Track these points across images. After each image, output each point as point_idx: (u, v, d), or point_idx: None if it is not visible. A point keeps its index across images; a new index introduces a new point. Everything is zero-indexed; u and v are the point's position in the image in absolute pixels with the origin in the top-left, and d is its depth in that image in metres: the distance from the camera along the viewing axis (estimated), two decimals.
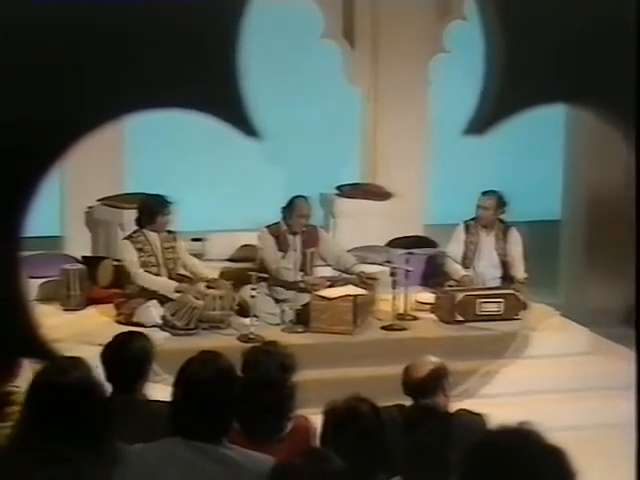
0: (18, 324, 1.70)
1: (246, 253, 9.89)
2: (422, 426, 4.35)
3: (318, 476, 2.65)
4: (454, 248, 9.70)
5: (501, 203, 9.53)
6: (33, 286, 9.66)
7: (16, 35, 1.66)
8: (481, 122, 1.82)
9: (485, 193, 9.57)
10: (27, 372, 4.26)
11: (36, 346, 1.71)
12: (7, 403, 4.43)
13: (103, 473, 3.16)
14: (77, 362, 3.74)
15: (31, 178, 1.70)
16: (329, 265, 9.39)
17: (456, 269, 9.62)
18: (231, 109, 1.68)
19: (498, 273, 9.64)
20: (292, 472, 2.75)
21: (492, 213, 9.53)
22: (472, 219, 9.67)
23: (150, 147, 10.84)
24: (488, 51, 1.79)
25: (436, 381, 5.18)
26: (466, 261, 9.64)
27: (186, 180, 10.48)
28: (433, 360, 5.33)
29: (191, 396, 3.71)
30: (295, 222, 9.04)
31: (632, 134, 1.79)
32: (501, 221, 9.68)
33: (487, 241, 9.65)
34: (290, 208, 9.07)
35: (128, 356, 4.91)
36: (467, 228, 9.68)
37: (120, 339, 5.10)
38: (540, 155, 12.14)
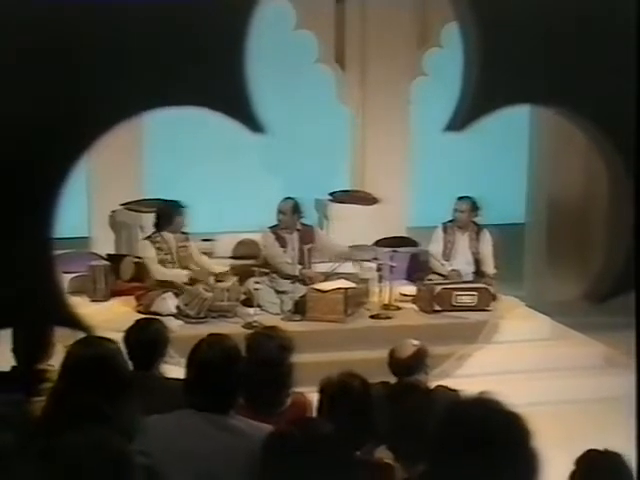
0: (53, 300, 1.66)
1: (246, 250, 9.87)
2: (405, 400, 4.34)
3: (309, 440, 2.62)
4: (436, 247, 9.71)
5: (474, 207, 9.57)
6: (64, 280, 9.66)
7: (24, 35, 1.61)
8: (460, 120, 1.79)
9: (461, 198, 9.60)
10: (59, 354, 4.26)
11: (70, 318, 1.68)
12: (42, 380, 4.40)
13: (124, 439, 3.12)
14: (104, 339, 3.73)
15: (56, 174, 1.66)
16: (329, 260, 9.39)
17: (442, 265, 9.63)
18: (238, 107, 1.64)
19: (471, 269, 9.64)
20: (286, 437, 2.72)
21: (467, 216, 9.55)
22: (449, 221, 9.69)
23: (166, 158, 10.81)
24: (466, 54, 1.76)
25: (418, 361, 5.17)
26: (444, 258, 9.65)
27: (197, 187, 10.46)
28: (415, 343, 5.31)
29: (201, 373, 3.69)
30: (285, 221, 9.06)
31: (600, 137, 1.76)
32: (475, 223, 9.69)
33: (462, 240, 9.66)
34: (284, 207, 9.10)
35: (146, 338, 4.91)
36: (445, 229, 9.69)
37: (140, 323, 5.11)
38: (507, 167, 12.12)
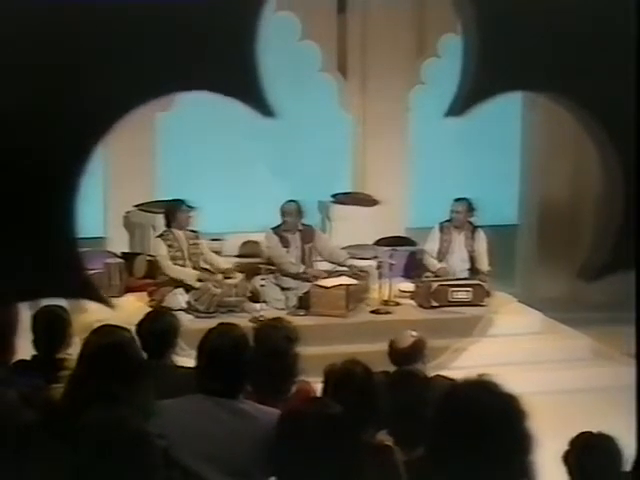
0: (76, 275, 1.65)
1: (253, 249, 9.87)
2: (405, 387, 4.32)
3: (320, 418, 2.61)
4: (431, 245, 9.71)
5: (470, 208, 9.57)
6: None
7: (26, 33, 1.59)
8: (459, 106, 1.77)
9: (457, 200, 9.61)
10: (77, 345, 4.26)
11: (89, 290, 1.66)
12: (61, 368, 4.39)
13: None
14: (119, 328, 3.73)
15: (76, 157, 1.64)
16: (325, 259, 9.38)
17: (433, 263, 9.63)
18: (249, 92, 1.62)
19: (466, 266, 9.63)
20: (298, 414, 2.71)
21: (463, 216, 9.56)
22: (446, 221, 9.70)
23: (178, 162, 10.81)
24: (465, 43, 1.74)
25: (417, 351, 5.16)
26: (440, 255, 9.66)
27: (207, 190, 10.43)
28: (414, 334, 5.30)
29: (212, 359, 3.68)
30: (287, 222, 9.07)
31: (594, 126, 1.74)
32: (470, 223, 9.70)
33: (458, 239, 9.66)
34: (286, 209, 9.11)
35: (158, 328, 4.89)
36: (442, 228, 9.70)
37: (151, 315, 5.10)
38: (500, 171, 12.09)
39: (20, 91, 1.59)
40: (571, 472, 3.89)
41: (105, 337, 3.60)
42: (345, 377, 3.99)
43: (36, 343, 4.79)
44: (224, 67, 1.57)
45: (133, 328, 5.08)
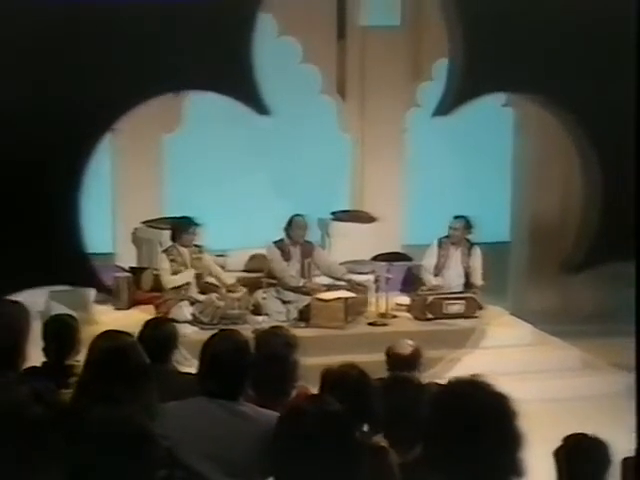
0: (79, 262, 1.65)
1: (257, 264, 9.87)
2: (401, 391, 4.31)
3: (318, 414, 2.59)
4: (429, 260, 9.74)
5: (468, 225, 9.61)
6: (92, 290, 9.67)
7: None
8: (445, 107, 1.78)
9: (456, 217, 9.62)
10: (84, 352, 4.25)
11: (92, 278, 1.66)
12: (71, 374, 4.38)
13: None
14: (123, 333, 3.73)
15: (83, 147, 1.64)
16: (323, 273, 9.39)
17: (429, 278, 9.63)
18: (245, 91, 1.63)
19: (462, 281, 9.65)
20: (297, 410, 2.69)
21: (461, 233, 9.59)
22: (444, 237, 9.71)
23: (184, 180, 10.82)
24: (451, 49, 1.75)
25: (415, 359, 5.16)
26: (437, 270, 9.67)
27: (212, 207, 10.43)
28: (411, 342, 5.30)
29: (213, 363, 3.69)
30: (295, 234, 9.10)
31: (576, 128, 1.74)
32: (467, 240, 9.71)
33: (455, 255, 9.68)
34: (290, 224, 9.12)
35: (158, 334, 4.90)
36: (440, 244, 9.74)
37: (151, 323, 5.11)
38: (492, 191, 12.09)
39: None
40: (560, 468, 3.90)
41: (109, 341, 3.61)
42: (341, 379, 3.98)
43: (46, 350, 4.78)
44: (220, 67, 1.57)
45: None
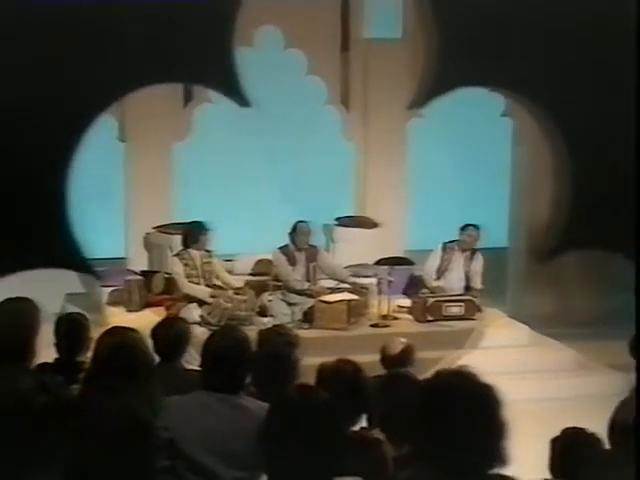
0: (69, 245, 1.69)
1: (263, 268, 9.90)
2: (395, 387, 4.33)
3: (307, 404, 2.62)
4: (432, 263, 9.74)
5: (479, 234, 9.58)
6: (104, 293, 9.74)
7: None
8: (419, 100, 1.82)
9: (471, 225, 9.64)
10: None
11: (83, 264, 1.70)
12: (81, 370, 4.42)
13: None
14: (129, 329, 3.76)
15: (72, 132, 1.66)
16: (328, 276, 9.41)
17: (430, 281, 9.64)
18: (228, 85, 1.66)
19: (462, 284, 9.63)
20: (287, 401, 2.72)
21: (474, 240, 9.59)
22: (451, 242, 9.71)
23: (194, 187, 10.87)
24: (426, 45, 1.78)
25: (406, 355, 5.18)
26: (439, 273, 9.67)
27: (220, 213, 10.47)
28: (403, 340, 5.33)
29: (214, 357, 3.70)
30: (299, 240, 9.11)
31: (545, 119, 1.77)
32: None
33: (458, 260, 9.68)
34: (295, 230, 9.14)
35: (170, 333, 4.92)
36: (444, 248, 9.71)
37: (164, 322, 5.13)
38: (491, 199, 12.11)
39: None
40: (554, 457, 3.93)
41: (115, 337, 3.65)
42: (336, 374, 4.00)
43: (58, 347, 4.82)
44: (204, 61, 1.60)
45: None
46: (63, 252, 1.63)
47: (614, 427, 2.87)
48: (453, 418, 2.64)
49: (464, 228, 9.63)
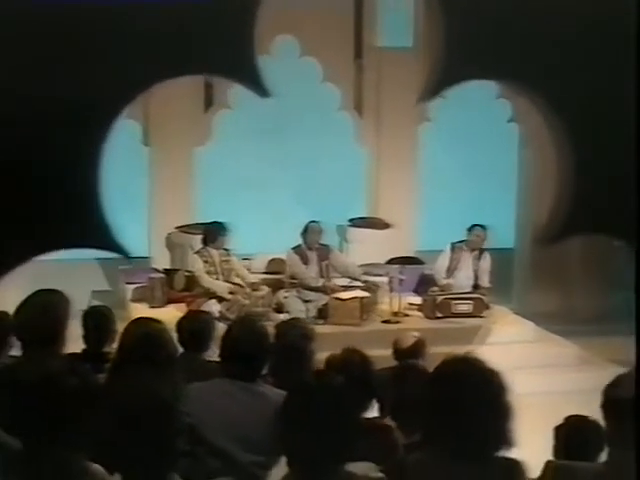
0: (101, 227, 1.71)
1: (277, 267, 9.93)
2: (406, 377, 4.33)
3: (324, 389, 2.63)
4: (441, 262, 9.73)
5: (487, 234, 9.59)
6: (129, 290, 9.80)
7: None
8: (430, 91, 1.83)
9: (479, 225, 9.62)
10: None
11: (116, 245, 1.73)
12: (107, 360, 4.46)
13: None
14: (153, 320, 3.80)
15: (99, 126, 1.68)
16: (340, 274, 9.42)
17: (440, 279, 9.64)
18: (247, 75, 1.67)
19: (471, 282, 9.62)
20: (304, 385, 2.74)
21: (482, 240, 9.59)
22: (459, 242, 9.70)
23: (214, 189, 10.91)
24: (436, 33, 1.79)
25: (418, 348, 5.18)
26: (449, 272, 9.67)
27: (239, 214, 10.51)
28: (415, 334, 5.33)
29: (233, 346, 3.73)
30: (310, 239, 9.13)
31: (550, 112, 1.78)
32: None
33: (467, 259, 9.67)
34: (306, 230, 9.17)
35: (193, 326, 4.95)
36: (453, 248, 9.71)
37: (190, 314, 5.16)
38: (499, 201, 12.09)
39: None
40: (558, 443, 3.94)
41: (140, 327, 3.69)
42: (344, 364, 4.00)
43: (86, 338, 4.86)
44: (225, 53, 1.62)
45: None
46: (98, 234, 1.65)
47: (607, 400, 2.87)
48: (460, 402, 2.66)
49: (471, 228, 9.63)
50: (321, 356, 4.73)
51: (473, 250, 9.64)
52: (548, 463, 3.56)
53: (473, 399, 2.65)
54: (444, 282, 9.58)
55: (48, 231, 1.62)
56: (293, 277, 9.23)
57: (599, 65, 1.72)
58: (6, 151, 1.62)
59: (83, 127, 1.62)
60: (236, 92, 10.18)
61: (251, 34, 1.60)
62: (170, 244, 10.45)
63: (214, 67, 1.64)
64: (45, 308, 3.95)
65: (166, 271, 9.89)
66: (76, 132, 1.62)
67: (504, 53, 1.75)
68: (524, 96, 1.82)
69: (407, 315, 9.19)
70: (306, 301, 9.04)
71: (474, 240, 9.59)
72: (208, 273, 8.88)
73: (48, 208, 1.62)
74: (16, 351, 4.17)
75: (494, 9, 1.70)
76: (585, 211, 1.83)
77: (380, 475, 2.75)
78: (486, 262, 9.65)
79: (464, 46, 1.72)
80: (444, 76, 1.76)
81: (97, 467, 2.58)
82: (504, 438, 2.70)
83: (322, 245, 9.28)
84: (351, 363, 3.99)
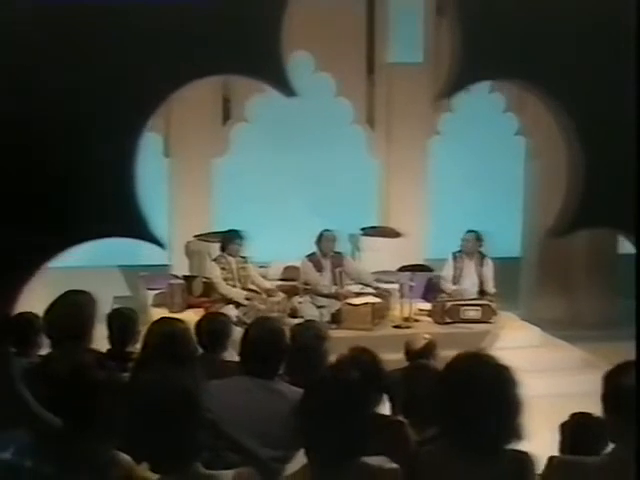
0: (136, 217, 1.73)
1: (290, 274, 9.96)
2: (417, 376, 4.34)
3: (342, 382, 2.65)
4: (446, 271, 9.75)
5: (478, 238, 9.61)
6: (150, 296, 9.84)
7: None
8: (448, 90, 1.85)
9: (468, 231, 9.67)
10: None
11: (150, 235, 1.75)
12: (131, 359, 4.49)
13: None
14: (176, 320, 3.82)
15: (133, 125, 1.71)
16: (353, 280, 9.43)
17: (448, 286, 9.65)
18: (273, 75, 1.70)
19: (476, 289, 9.63)
20: (321, 378, 2.76)
21: (472, 244, 9.59)
22: (458, 251, 9.72)
23: (230, 200, 10.95)
24: (452, 36, 1.81)
25: (429, 349, 5.19)
26: (454, 280, 9.68)
27: (255, 224, 10.54)
28: (427, 336, 5.34)
29: (252, 345, 3.75)
30: (324, 246, 9.15)
31: (561, 112, 1.79)
32: (480, 252, 9.72)
33: (469, 266, 9.68)
34: (320, 238, 9.19)
35: (211, 327, 4.97)
36: (455, 257, 9.73)
37: (209, 316, 5.17)
38: (506, 211, 12.09)
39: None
40: (564, 440, 3.94)
41: (164, 326, 3.71)
42: (353, 361, 3.99)
43: (111, 339, 4.89)
44: (252, 53, 1.64)
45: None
46: (134, 224, 1.68)
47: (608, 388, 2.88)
48: (471, 396, 2.67)
49: (463, 235, 9.64)
50: (333, 359, 4.73)
51: (470, 256, 9.65)
52: (551, 458, 3.56)
53: (484, 393, 2.66)
54: (452, 288, 9.60)
55: (97, 219, 1.64)
56: (307, 284, 9.26)
57: (611, 66, 1.74)
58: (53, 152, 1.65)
59: (123, 126, 1.66)
60: (253, 106, 10.25)
61: (278, 37, 1.62)
62: (189, 252, 10.49)
63: (243, 68, 1.67)
64: (74, 307, 3.99)
65: (185, 278, 9.93)
66: (116, 133, 1.65)
67: (518, 54, 1.77)
68: (536, 95, 1.83)
69: (417, 320, 9.19)
70: (319, 306, 9.06)
71: (466, 245, 9.64)
72: (225, 280, 8.91)
73: (92, 203, 1.65)
74: (44, 351, 4.22)
75: (509, 12, 1.72)
76: (594, 206, 1.85)
77: (394, 466, 2.76)
78: (488, 268, 9.66)
79: (478, 48, 1.74)
80: (461, 77, 1.77)
81: (125, 457, 2.61)
82: (514, 431, 2.72)
83: (336, 253, 9.31)
84: (360, 360, 4.00)
